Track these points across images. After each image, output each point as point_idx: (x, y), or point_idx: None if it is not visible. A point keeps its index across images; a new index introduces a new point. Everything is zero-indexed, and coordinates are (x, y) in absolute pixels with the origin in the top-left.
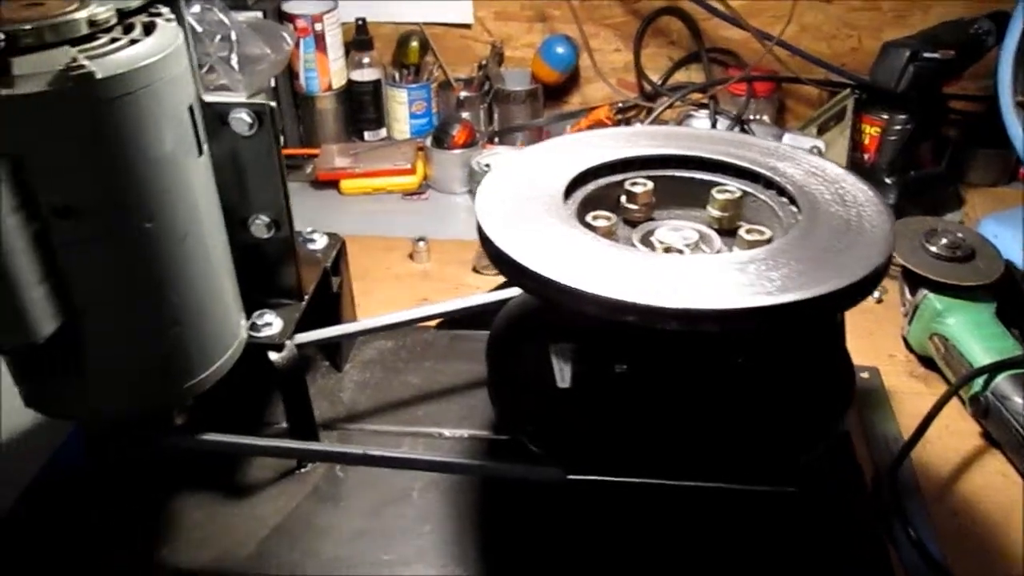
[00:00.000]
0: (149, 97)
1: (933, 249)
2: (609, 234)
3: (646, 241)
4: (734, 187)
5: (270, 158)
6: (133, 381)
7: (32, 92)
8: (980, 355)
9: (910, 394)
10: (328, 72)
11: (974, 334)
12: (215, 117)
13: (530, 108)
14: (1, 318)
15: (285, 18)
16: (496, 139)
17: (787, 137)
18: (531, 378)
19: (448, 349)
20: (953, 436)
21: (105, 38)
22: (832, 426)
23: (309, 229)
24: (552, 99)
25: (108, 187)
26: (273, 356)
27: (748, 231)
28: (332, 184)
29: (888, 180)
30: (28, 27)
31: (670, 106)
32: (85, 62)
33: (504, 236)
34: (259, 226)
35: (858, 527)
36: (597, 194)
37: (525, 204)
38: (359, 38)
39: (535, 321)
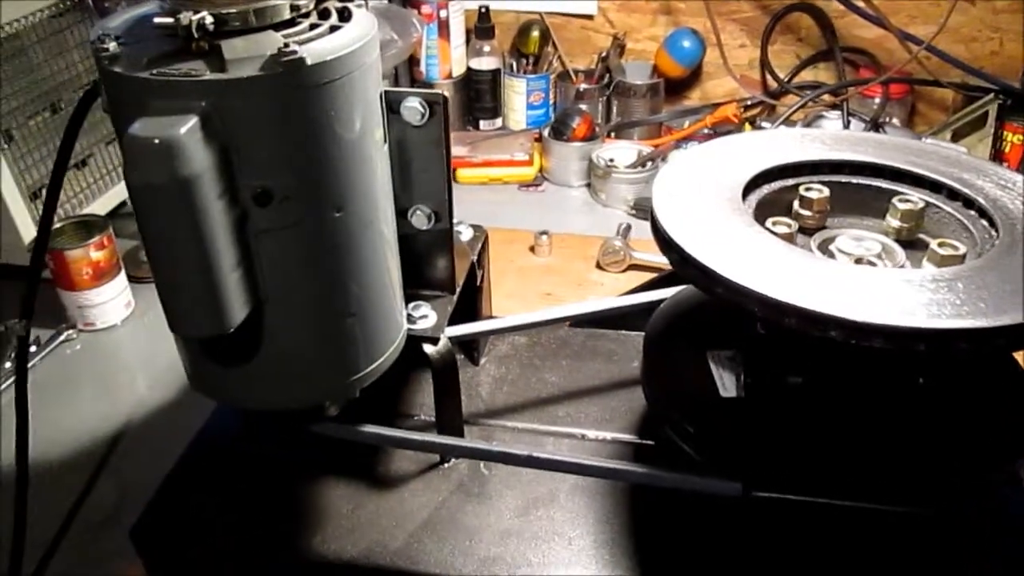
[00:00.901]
0: (350, 84)
1: None
2: (789, 241)
3: (824, 250)
4: (916, 197)
5: (438, 149)
6: (304, 372)
7: (245, 76)
8: None
9: None
10: (449, 59)
11: None
12: (387, 106)
13: (650, 103)
14: (198, 306)
15: (410, 4)
16: (613, 133)
17: (926, 140)
18: (693, 383)
19: (583, 348)
20: None
21: (305, 23)
22: (1013, 453)
23: (456, 220)
24: (671, 94)
25: (306, 173)
26: (428, 349)
27: (941, 245)
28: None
29: None
30: (234, 10)
31: (803, 105)
32: (297, 48)
33: (688, 238)
34: (420, 217)
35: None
36: (771, 198)
37: (703, 205)
38: (481, 26)
39: (696, 326)
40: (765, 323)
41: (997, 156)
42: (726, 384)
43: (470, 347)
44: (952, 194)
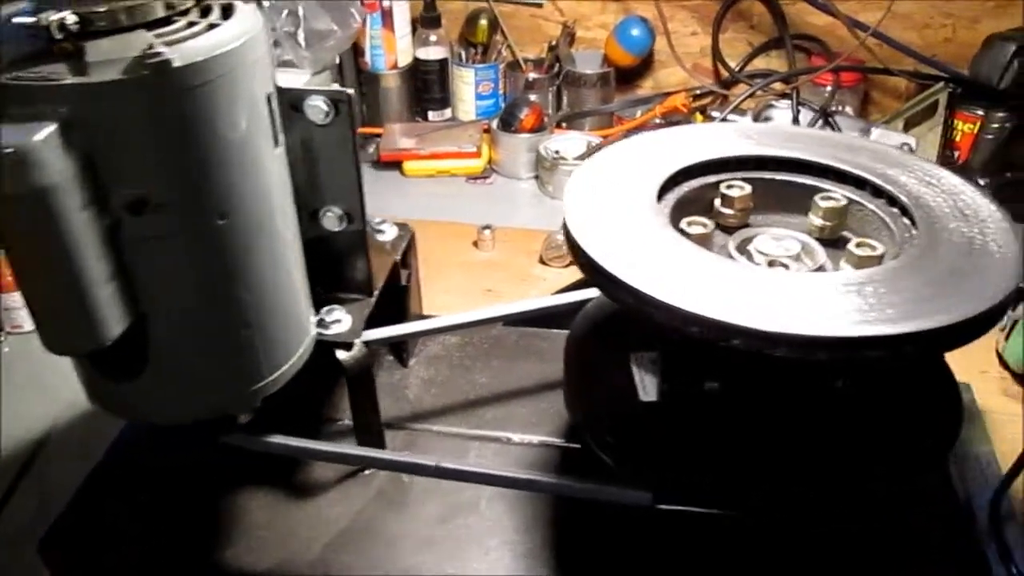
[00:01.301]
0: (228, 85)
1: None
2: (704, 242)
3: (743, 250)
4: (839, 194)
5: (345, 148)
6: (199, 384)
7: (107, 80)
8: None
9: (1004, 415)
10: (394, 49)
11: None
12: (288, 104)
13: (601, 92)
14: (69, 321)
15: None
16: (564, 123)
17: (875, 132)
18: (614, 388)
19: (516, 347)
20: None
21: (182, 22)
22: (937, 457)
23: (379, 219)
24: (623, 83)
25: (182, 180)
26: (342, 355)
27: (859, 245)
28: (395, 165)
29: (981, 181)
30: (102, 9)
31: (751, 95)
32: (162, 48)
33: (595, 243)
34: (331, 218)
35: (955, 561)
36: (691, 196)
37: (617, 206)
38: (427, 15)
39: (620, 327)
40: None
41: (948, 145)
42: (647, 388)
43: (399, 348)
44: (876, 191)
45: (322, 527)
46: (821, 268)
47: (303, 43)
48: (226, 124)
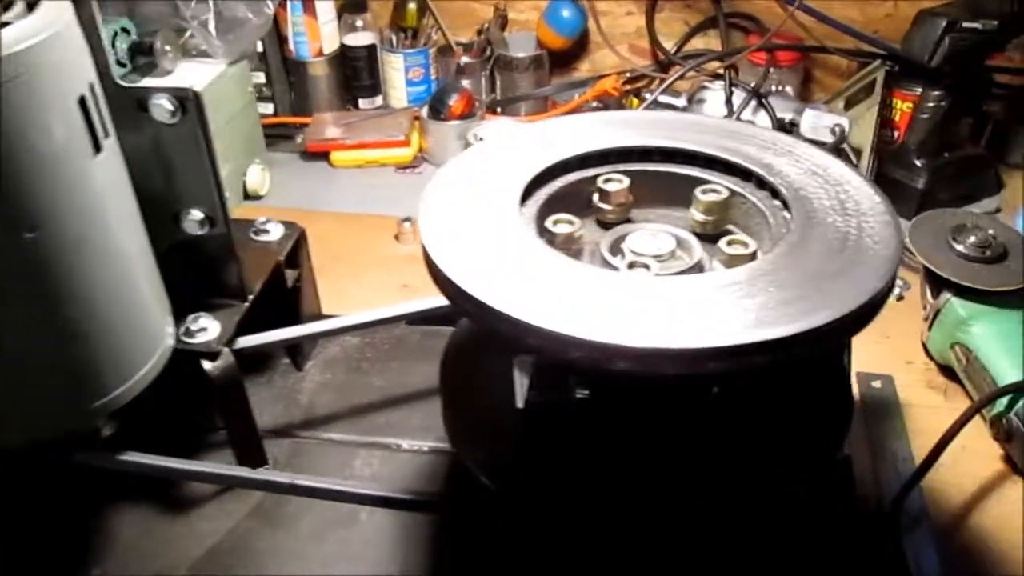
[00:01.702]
0: (27, 89)
1: (959, 248)
2: (571, 241)
3: (616, 248)
4: (723, 186)
5: (197, 148)
6: (32, 404)
7: None
8: (1006, 370)
9: (926, 407)
10: (319, 36)
11: (1001, 346)
12: (133, 103)
13: (534, 76)
14: None
15: None
16: (498, 109)
17: (808, 113)
18: (483, 396)
19: (418, 348)
20: (970, 458)
21: None
22: (817, 460)
23: (263, 219)
24: (559, 66)
25: None
26: (207, 365)
27: (730, 243)
28: (323, 156)
29: (918, 162)
30: None
31: (682, 76)
32: None
33: (441, 247)
34: (192, 222)
35: (854, 562)
36: (567, 191)
37: (476, 210)
38: (352, 0)
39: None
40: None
41: (886, 124)
42: (520, 395)
43: (294, 352)
44: (761, 183)
45: (193, 544)
46: (698, 265)
47: (214, 32)
48: (26, 129)
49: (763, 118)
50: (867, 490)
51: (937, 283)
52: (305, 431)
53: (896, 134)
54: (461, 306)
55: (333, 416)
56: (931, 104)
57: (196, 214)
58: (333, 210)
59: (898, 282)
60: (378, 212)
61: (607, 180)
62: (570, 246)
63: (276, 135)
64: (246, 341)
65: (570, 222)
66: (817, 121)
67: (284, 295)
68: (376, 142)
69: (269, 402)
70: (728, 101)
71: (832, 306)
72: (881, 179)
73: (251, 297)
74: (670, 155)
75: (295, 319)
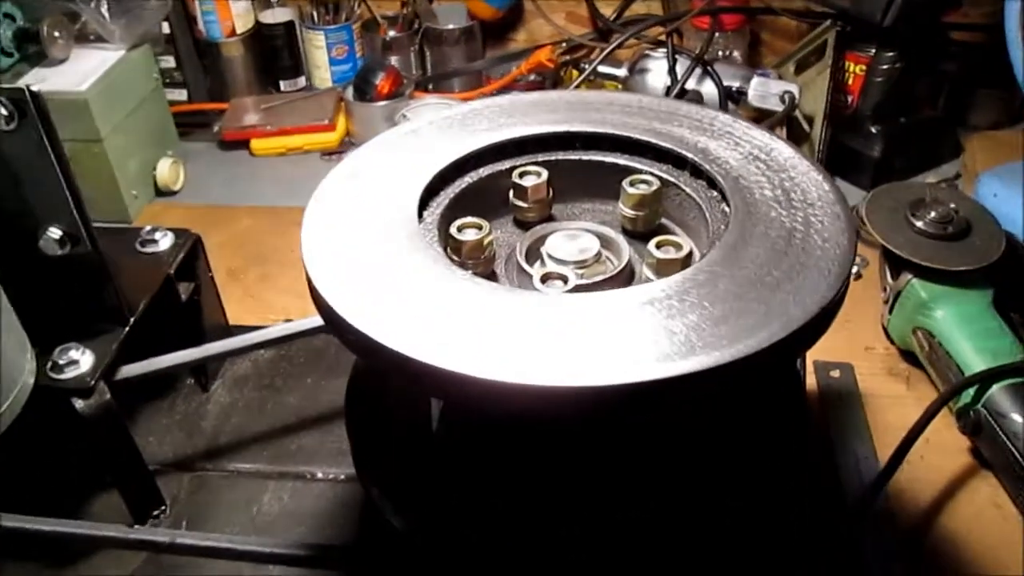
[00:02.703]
0: None
1: (919, 224)
2: (479, 250)
3: (534, 253)
4: (654, 175)
5: (42, 156)
6: None
7: None
8: (971, 357)
9: (888, 398)
10: (230, 15)
11: (965, 331)
12: None
13: (466, 49)
14: None
15: None
16: (429, 86)
17: (756, 80)
18: (389, 422)
19: (336, 361)
20: (936, 452)
21: None
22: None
23: (149, 228)
24: (493, 38)
25: None
26: (78, 404)
27: (660, 245)
28: (243, 144)
29: (874, 128)
30: None
31: (622, 45)
32: None
33: (325, 270)
34: (50, 241)
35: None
36: (478, 188)
37: (368, 217)
38: None
39: None
40: None
41: (839, 89)
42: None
43: (199, 371)
44: (696, 170)
45: None
46: (626, 272)
47: (107, 15)
48: None
49: (709, 87)
50: (825, 496)
51: (896, 263)
52: (209, 462)
53: (850, 99)
54: (335, 331)
55: (240, 443)
56: (885, 66)
57: (54, 232)
58: (254, 204)
59: (856, 259)
60: (303, 204)
61: (523, 174)
62: (479, 254)
63: (191, 123)
64: (131, 370)
65: (478, 227)
66: (765, 89)
67: (178, 312)
68: (298, 127)
69: (170, 430)
70: (671, 70)
71: (771, 324)
72: (835, 148)
73: (133, 319)
74: (594, 141)
75: (196, 337)
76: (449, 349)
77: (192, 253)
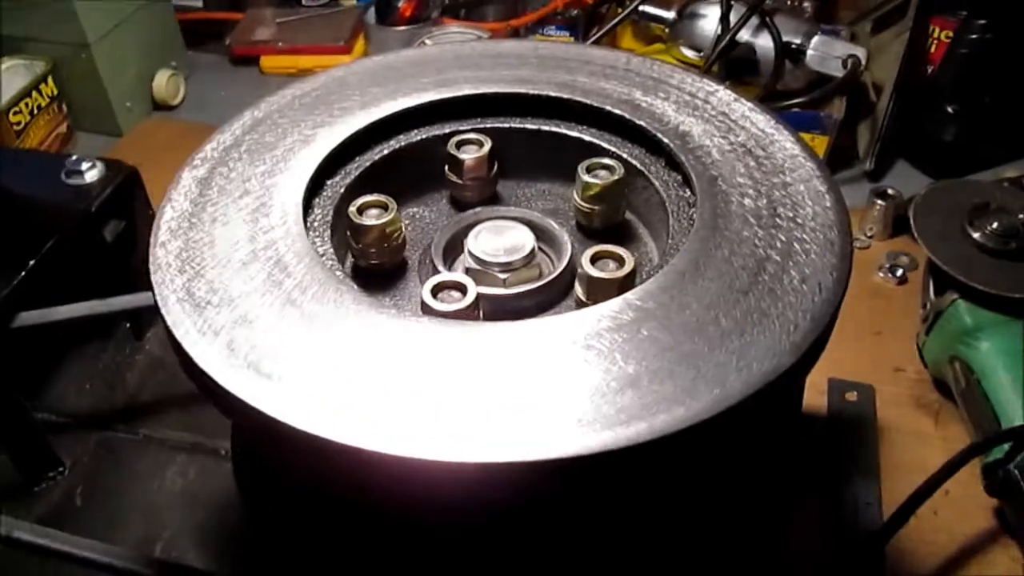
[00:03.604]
0: None
1: (976, 235)
2: (384, 238)
3: (455, 247)
4: (619, 161)
5: None
6: None
7: None
8: (1012, 406)
9: (909, 435)
10: None
11: (1010, 372)
12: None
13: None
14: None
15: None
16: (461, 12)
17: (818, 39)
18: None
19: None
20: (953, 508)
21: None
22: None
23: (75, 157)
24: None
25: None
26: None
27: (597, 257)
28: (254, 60)
29: (951, 108)
30: None
31: None
32: None
33: (172, 274)
34: None
35: None
36: (406, 156)
37: (246, 199)
38: None
39: None
40: None
41: (917, 56)
42: None
43: (135, 318)
44: (672, 159)
45: None
46: (563, 278)
47: None
48: None
49: (766, 41)
50: (813, 543)
51: (942, 277)
52: (123, 422)
53: (931, 69)
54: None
55: (160, 404)
56: (974, 35)
57: None
58: None
59: (902, 258)
60: None
61: (461, 143)
62: (382, 243)
63: (205, 33)
64: (29, 318)
65: (382, 207)
66: (827, 49)
67: (103, 254)
68: (311, 47)
69: (92, 380)
70: (724, 17)
71: (694, 399)
72: (903, 125)
73: (32, 262)
74: (557, 108)
75: (128, 280)
76: (265, 394)
77: (124, 188)
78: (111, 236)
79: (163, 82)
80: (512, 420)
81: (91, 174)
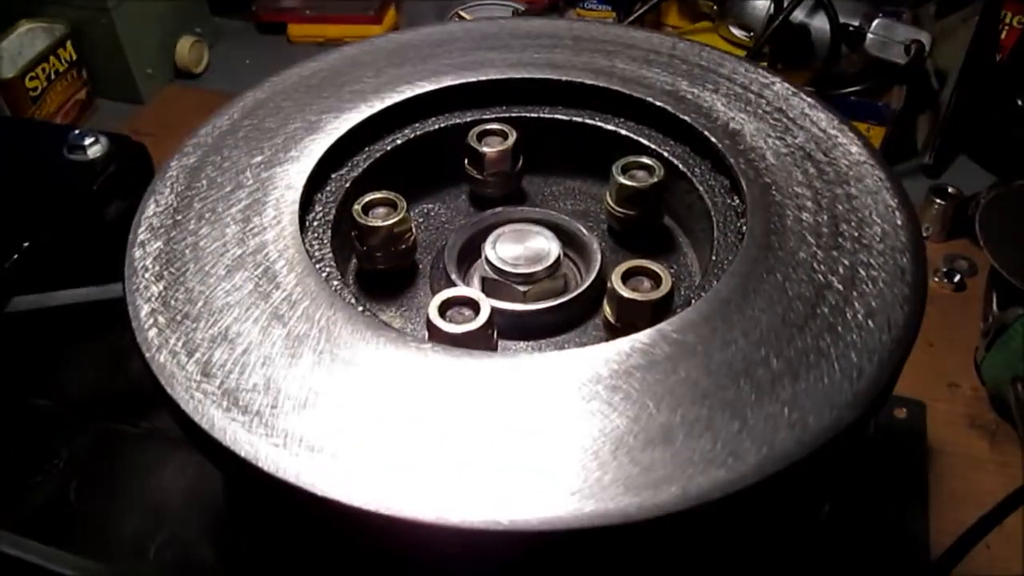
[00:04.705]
0: None
1: None
2: (393, 241)
3: (470, 253)
4: (659, 161)
5: None
6: None
7: None
8: None
9: (963, 457)
10: None
11: None
12: None
13: None
14: None
15: None
16: None
17: (879, 22)
18: None
19: None
20: (1009, 542)
21: None
22: None
23: (77, 131)
24: None
25: None
26: None
27: (629, 274)
28: (281, 28)
29: (1021, 101)
30: None
31: None
32: None
33: (148, 288)
34: None
35: None
36: (422, 147)
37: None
38: None
39: None
40: None
41: (987, 43)
42: None
43: None
44: (719, 160)
45: None
46: (590, 292)
47: None
48: None
49: (822, 22)
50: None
51: (1007, 290)
52: (124, 414)
53: (999, 57)
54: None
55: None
56: None
57: None
58: None
59: (961, 263)
60: None
61: (483, 134)
62: (392, 246)
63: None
64: (23, 302)
65: (391, 204)
66: (889, 33)
67: (105, 235)
68: (340, 16)
69: (93, 367)
70: None
71: (737, 459)
72: (968, 118)
73: (27, 244)
74: (590, 97)
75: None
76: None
77: (130, 166)
78: (116, 215)
79: (186, 49)
80: (518, 480)
81: (94, 149)
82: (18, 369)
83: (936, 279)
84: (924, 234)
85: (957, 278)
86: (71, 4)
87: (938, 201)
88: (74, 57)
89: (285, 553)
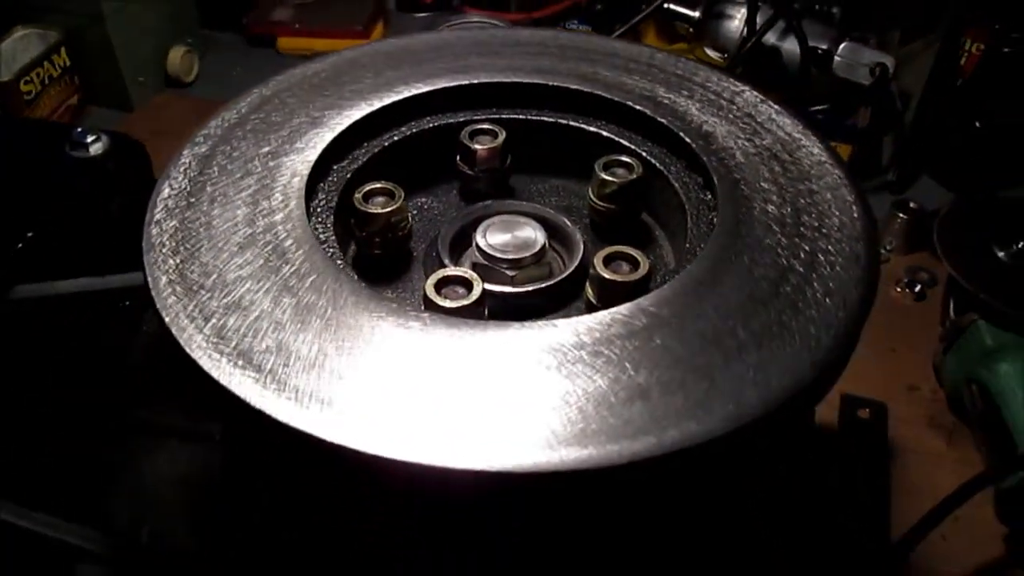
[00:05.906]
0: None
1: (1001, 254)
2: (390, 228)
3: (463, 240)
4: (638, 159)
5: None
6: None
7: None
8: None
9: (922, 455)
10: None
11: None
12: None
13: None
14: None
15: None
16: (484, 0)
17: (846, 45)
18: None
19: None
20: (964, 533)
21: None
22: None
23: (80, 129)
24: None
25: None
26: None
27: (611, 259)
28: (271, 39)
29: (978, 122)
30: None
31: None
32: None
33: (166, 260)
34: None
35: None
36: (416, 144)
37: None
38: None
39: None
40: None
41: (948, 67)
42: None
43: (134, 296)
44: (693, 160)
45: None
46: (572, 277)
47: None
48: None
49: (793, 45)
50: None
51: (963, 296)
52: (119, 404)
53: (959, 83)
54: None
55: (158, 386)
56: (1007, 48)
57: None
58: None
59: (922, 274)
60: None
61: (475, 133)
62: (390, 233)
63: (222, 11)
64: (26, 291)
65: (389, 194)
66: (855, 57)
67: (109, 229)
68: (328, 30)
69: (87, 359)
70: (751, 19)
71: (707, 413)
72: (928, 138)
73: (30, 234)
74: (574, 101)
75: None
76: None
77: (131, 163)
78: (119, 211)
79: (177, 58)
80: (511, 428)
81: (96, 147)
82: (19, 358)
83: (898, 289)
84: (888, 247)
85: (918, 288)
86: (66, 11)
87: (901, 215)
88: (67, 63)
89: (279, 543)
